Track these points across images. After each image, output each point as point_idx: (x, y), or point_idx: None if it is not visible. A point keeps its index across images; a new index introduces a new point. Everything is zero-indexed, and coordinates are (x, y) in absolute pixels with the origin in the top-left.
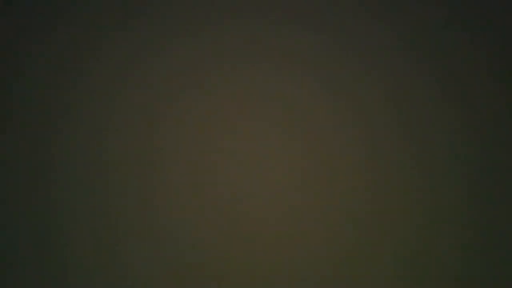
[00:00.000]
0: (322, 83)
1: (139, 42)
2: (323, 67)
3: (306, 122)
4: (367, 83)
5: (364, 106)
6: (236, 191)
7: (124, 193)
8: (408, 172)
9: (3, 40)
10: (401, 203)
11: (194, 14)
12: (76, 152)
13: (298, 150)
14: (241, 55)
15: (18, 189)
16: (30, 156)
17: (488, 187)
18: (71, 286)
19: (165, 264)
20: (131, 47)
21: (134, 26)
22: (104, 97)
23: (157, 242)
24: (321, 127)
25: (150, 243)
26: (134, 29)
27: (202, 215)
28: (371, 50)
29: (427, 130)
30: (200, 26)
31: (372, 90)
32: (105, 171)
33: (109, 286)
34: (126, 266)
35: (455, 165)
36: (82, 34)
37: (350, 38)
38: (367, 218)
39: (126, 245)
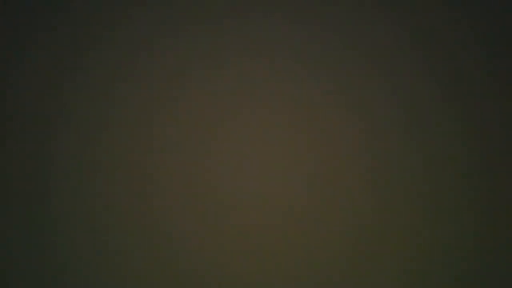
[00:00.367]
0: (325, 82)
1: (137, 41)
2: (326, 65)
3: (309, 121)
4: (371, 82)
5: (367, 105)
6: (237, 192)
7: (121, 193)
8: (412, 170)
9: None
10: (405, 202)
11: (193, 12)
12: (72, 153)
13: (301, 150)
14: (241, 53)
15: (14, 189)
16: (26, 155)
17: (491, 187)
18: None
19: (164, 267)
20: (129, 46)
21: (132, 25)
22: (101, 96)
23: (155, 244)
24: (324, 127)
25: (147, 245)
26: (133, 27)
27: (201, 217)
28: (375, 48)
29: (432, 129)
30: (200, 23)
31: (376, 89)
32: (101, 172)
33: None
34: (122, 268)
35: (459, 165)
36: (78, 32)
37: (355, 36)
38: (370, 217)
39: (122, 248)
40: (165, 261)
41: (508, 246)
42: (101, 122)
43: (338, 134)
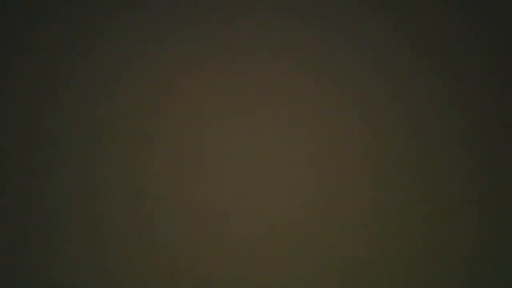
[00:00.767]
0: (325, 82)
1: (135, 40)
2: (328, 64)
3: (310, 120)
4: (372, 81)
5: (368, 105)
6: (235, 192)
7: (117, 193)
8: (414, 169)
9: None
10: (407, 202)
11: (193, 9)
12: (67, 153)
13: (301, 150)
14: (242, 52)
15: (11, 189)
16: (24, 154)
17: (492, 187)
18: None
19: (158, 268)
20: (129, 45)
21: (132, 23)
22: (99, 94)
23: (149, 245)
24: (325, 126)
25: (141, 247)
26: (132, 26)
27: (199, 218)
28: (377, 46)
29: (433, 129)
30: (199, 21)
31: (377, 88)
32: (97, 171)
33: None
34: (116, 269)
35: (461, 164)
36: (76, 31)
37: (356, 34)
38: (372, 217)
39: (116, 248)
40: (159, 264)
41: (509, 246)
42: (99, 120)
43: (338, 133)
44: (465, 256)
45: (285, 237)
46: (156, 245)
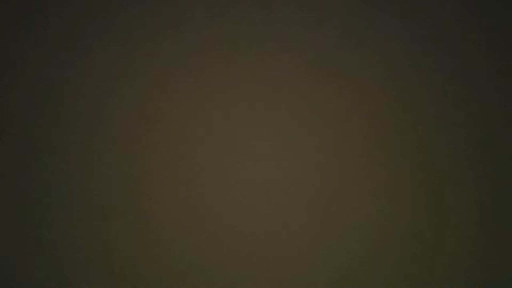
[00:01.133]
0: (327, 81)
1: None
2: (329, 63)
3: (310, 120)
4: (375, 80)
5: (368, 105)
6: (235, 191)
7: (116, 193)
8: (414, 169)
9: None
10: (408, 202)
11: (193, 8)
12: (67, 152)
13: (301, 149)
14: (242, 51)
15: (10, 189)
16: (23, 154)
17: (495, 187)
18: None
19: (158, 268)
20: (128, 43)
21: (131, 22)
22: (98, 93)
23: (150, 243)
24: (325, 126)
25: (142, 245)
26: (132, 24)
27: (199, 218)
28: (378, 45)
29: (435, 129)
30: (199, 21)
31: (380, 87)
32: (96, 171)
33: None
34: (116, 267)
35: (463, 164)
36: (75, 30)
37: (358, 33)
38: (372, 217)
39: (117, 247)
40: (162, 262)
41: (509, 246)
42: (94, 120)
43: (339, 133)
44: (465, 256)
45: (285, 237)
46: (156, 245)
